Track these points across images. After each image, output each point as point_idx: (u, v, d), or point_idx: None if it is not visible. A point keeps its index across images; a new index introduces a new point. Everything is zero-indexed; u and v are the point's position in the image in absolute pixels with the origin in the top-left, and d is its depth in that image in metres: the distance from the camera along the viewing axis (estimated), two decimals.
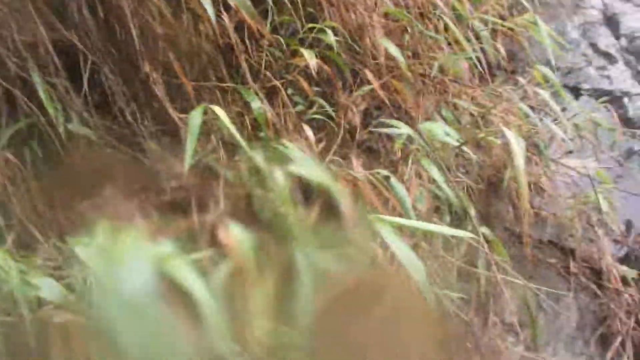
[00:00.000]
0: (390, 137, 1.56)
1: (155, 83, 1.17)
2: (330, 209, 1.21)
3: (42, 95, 0.97)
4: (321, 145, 1.35)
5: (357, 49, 1.63)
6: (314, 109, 1.45)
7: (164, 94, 1.19)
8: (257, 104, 1.26)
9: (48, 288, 0.68)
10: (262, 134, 1.31)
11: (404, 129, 1.28)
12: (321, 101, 1.46)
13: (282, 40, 1.44)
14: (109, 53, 1.10)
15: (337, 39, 1.47)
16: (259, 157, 1.18)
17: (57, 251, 0.85)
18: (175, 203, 1.16)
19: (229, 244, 1.01)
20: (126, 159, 1.10)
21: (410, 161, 1.33)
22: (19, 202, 0.86)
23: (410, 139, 1.40)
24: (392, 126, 1.33)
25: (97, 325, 0.54)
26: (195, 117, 1.02)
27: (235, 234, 1.00)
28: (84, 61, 1.06)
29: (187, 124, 1.20)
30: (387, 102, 1.57)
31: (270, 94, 1.41)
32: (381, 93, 1.54)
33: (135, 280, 0.54)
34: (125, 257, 0.56)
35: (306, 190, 1.25)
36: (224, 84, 1.27)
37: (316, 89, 1.54)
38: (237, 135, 1.04)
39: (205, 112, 1.12)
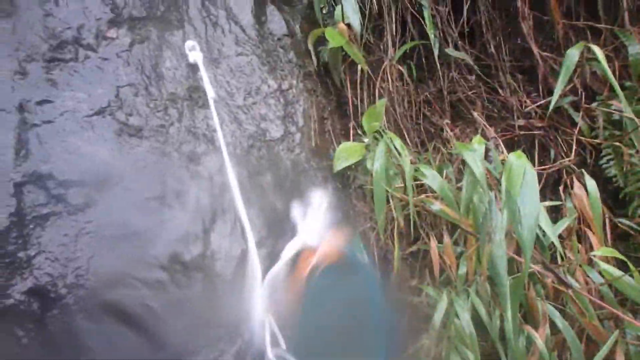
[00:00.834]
0: None
1: (524, 18, 1.16)
2: None
3: (426, 21, 1.09)
4: None
5: None
6: None
7: (529, 29, 1.17)
8: (636, 49, 1.11)
9: (432, 178, 0.80)
10: (627, 84, 1.16)
11: None
12: None
13: None
14: None
15: None
16: (625, 106, 1.05)
17: (436, 152, 0.98)
18: (519, 142, 1.16)
19: (579, 195, 0.97)
20: (484, 88, 1.15)
21: None
22: (397, 107, 1.03)
23: None
24: None
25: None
26: (573, 55, 0.97)
27: (588, 186, 0.94)
28: None
29: (549, 62, 1.16)
30: None
31: None
32: None
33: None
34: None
35: None
36: (598, 25, 1.16)
37: None
38: (612, 78, 0.95)
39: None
